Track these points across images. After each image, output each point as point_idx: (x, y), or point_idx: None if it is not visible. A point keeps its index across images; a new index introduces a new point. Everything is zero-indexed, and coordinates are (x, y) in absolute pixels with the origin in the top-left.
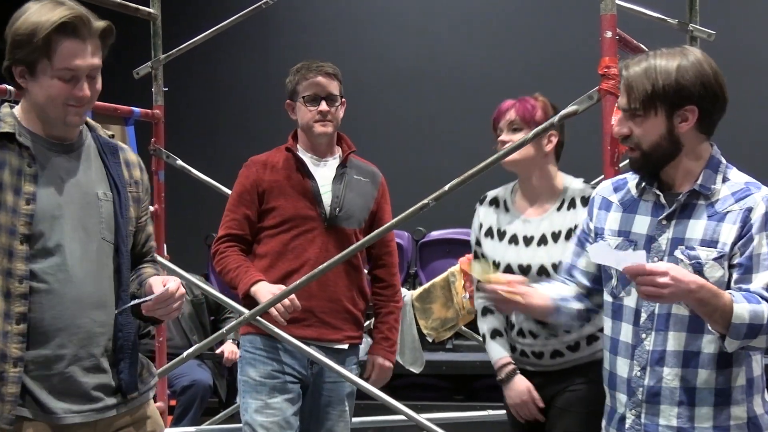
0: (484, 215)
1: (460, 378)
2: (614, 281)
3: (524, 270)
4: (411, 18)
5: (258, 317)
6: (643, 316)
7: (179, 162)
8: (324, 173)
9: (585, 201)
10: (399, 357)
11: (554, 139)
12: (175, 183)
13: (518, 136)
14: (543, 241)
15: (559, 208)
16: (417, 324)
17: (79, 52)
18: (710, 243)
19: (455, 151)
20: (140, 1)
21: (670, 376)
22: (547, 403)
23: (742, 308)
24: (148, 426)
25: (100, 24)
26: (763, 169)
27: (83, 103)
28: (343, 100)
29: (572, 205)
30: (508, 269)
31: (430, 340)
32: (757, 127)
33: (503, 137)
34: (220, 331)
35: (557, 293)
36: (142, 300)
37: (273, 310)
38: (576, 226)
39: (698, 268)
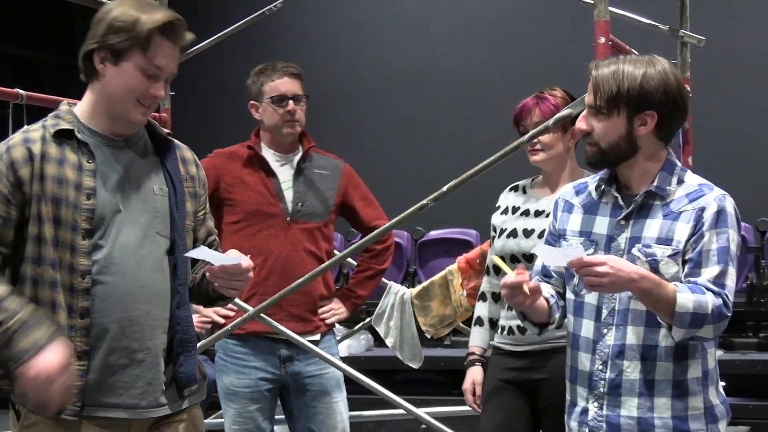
0: (504, 199)
1: (457, 373)
2: (575, 279)
3: (527, 233)
4: (411, 23)
5: (262, 314)
6: (604, 312)
7: None
8: (286, 170)
9: None
10: (398, 353)
11: (577, 134)
12: None
13: (546, 136)
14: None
15: None
16: (416, 321)
17: (170, 55)
18: (665, 241)
19: (453, 153)
20: None
21: (630, 368)
22: (529, 390)
23: (685, 298)
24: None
25: (190, 35)
26: (752, 169)
27: (155, 103)
28: (307, 98)
29: None
30: (513, 233)
31: (429, 337)
32: (745, 128)
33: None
34: (225, 329)
35: (548, 292)
36: (208, 255)
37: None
38: None
39: (654, 265)
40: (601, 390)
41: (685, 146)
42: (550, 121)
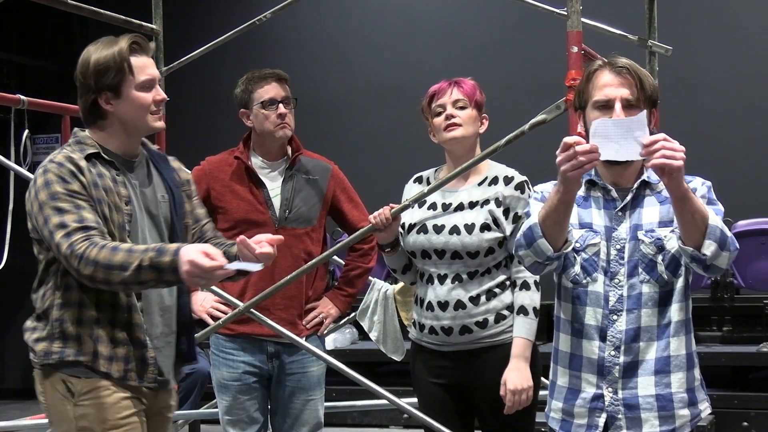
0: (408, 191)
1: None
2: (577, 268)
3: (438, 229)
4: (394, 33)
5: (252, 309)
6: (612, 299)
7: None
8: (274, 177)
9: (507, 180)
10: (381, 346)
11: (486, 122)
12: None
13: (464, 113)
14: (460, 207)
15: (480, 183)
16: (398, 316)
17: (149, 65)
18: (667, 223)
19: (434, 156)
20: (143, 18)
21: (646, 350)
22: (464, 390)
23: (714, 214)
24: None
25: (152, 44)
26: (712, 174)
27: (162, 105)
28: (295, 101)
29: (494, 182)
30: (423, 228)
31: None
32: (708, 135)
33: (451, 111)
34: (217, 323)
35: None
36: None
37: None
38: (497, 198)
39: (659, 244)
40: (616, 375)
41: None
42: (526, 126)
